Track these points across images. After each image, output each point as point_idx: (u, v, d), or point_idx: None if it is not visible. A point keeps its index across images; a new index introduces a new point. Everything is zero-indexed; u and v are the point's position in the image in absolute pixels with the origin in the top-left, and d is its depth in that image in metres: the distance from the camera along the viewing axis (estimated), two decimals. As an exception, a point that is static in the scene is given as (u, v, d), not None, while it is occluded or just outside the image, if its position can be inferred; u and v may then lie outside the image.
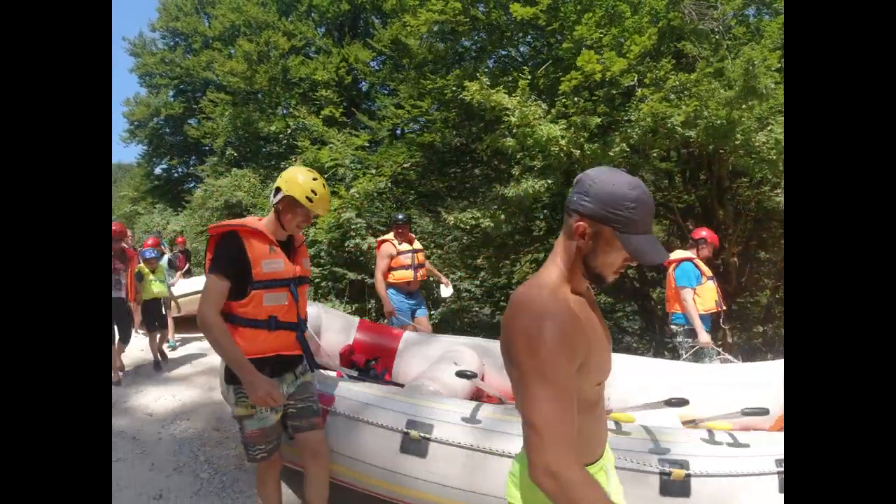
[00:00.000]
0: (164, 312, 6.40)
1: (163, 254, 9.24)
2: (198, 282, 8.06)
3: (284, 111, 17.23)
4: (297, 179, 2.33)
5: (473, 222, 7.51)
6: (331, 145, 11.73)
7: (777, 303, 8.91)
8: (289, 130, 16.21)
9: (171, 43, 21.72)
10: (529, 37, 9.71)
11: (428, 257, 8.76)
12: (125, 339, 5.49)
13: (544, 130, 6.42)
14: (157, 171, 23.31)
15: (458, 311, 8.07)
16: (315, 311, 3.88)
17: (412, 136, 10.83)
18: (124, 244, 5.49)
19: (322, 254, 10.46)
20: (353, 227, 9.10)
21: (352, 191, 9.70)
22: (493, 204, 7.44)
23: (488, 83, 6.74)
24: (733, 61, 6.15)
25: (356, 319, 4.41)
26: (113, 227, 4.98)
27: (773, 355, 9.11)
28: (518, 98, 6.51)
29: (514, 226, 7.90)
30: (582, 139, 6.64)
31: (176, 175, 23.30)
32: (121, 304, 5.26)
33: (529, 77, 7.08)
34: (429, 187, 10.42)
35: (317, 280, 10.26)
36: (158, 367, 6.00)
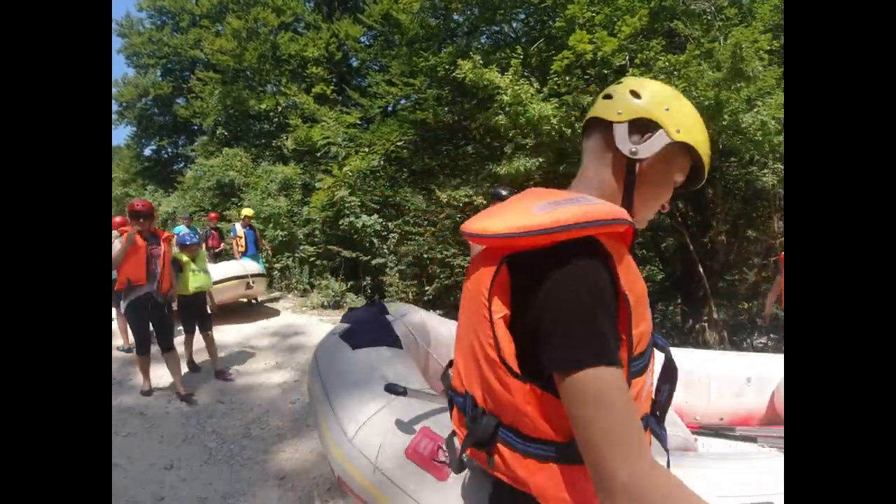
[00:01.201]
0: (208, 311, 5.09)
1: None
2: (231, 267, 7.55)
3: (274, 89, 17.03)
4: (693, 116, 1.05)
5: (466, 199, 7.60)
6: (322, 123, 11.70)
7: (763, 280, 9.15)
8: (279, 108, 16.09)
9: (159, 22, 21.24)
10: (522, 13, 9.67)
11: (421, 235, 8.90)
12: (166, 345, 4.28)
13: (536, 109, 6.49)
14: (147, 152, 23.06)
15: (451, 286, 8.23)
16: (419, 319, 3.07)
17: (405, 114, 10.81)
18: (153, 226, 4.39)
19: (316, 232, 10.55)
20: (346, 205, 9.18)
21: (345, 169, 9.75)
22: (485, 182, 7.53)
23: (481, 61, 6.76)
24: (723, 43, 6.21)
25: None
26: (138, 204, 4.21)
27: (758, 332, 9.39)
28: (510, 77, 6.55)
29: None
30: (573, 118, 6.72)
31: (166, 156, 23.07)
32: (156, 303, 4.20)
33: (522, 55, 7.10)
34: (421, 165, 10.46)
35: (312, 259, 10.37)
36: (225, 377, 4.88)
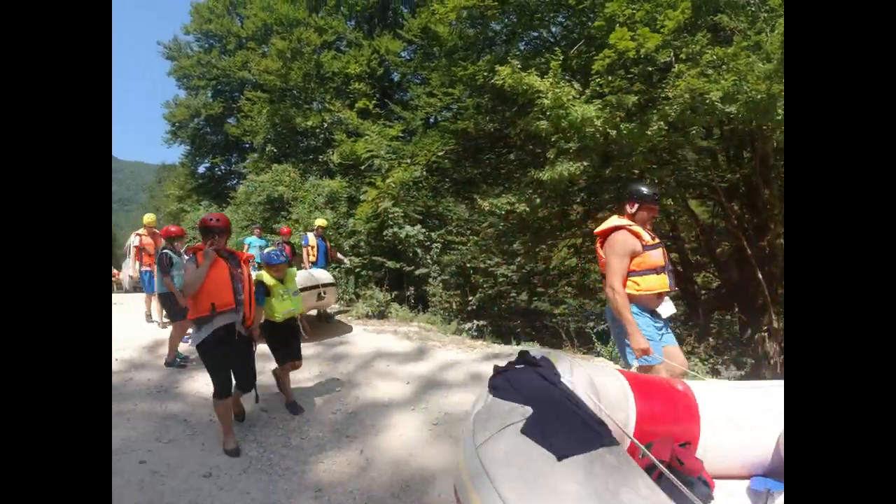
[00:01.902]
0: (299, 339, 4.32)
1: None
2: (300, 277, 6.25)
3: (320, 106, 17.58)
4: None
5: (509, 207, 7.49)
6: (366, 137, 11.93)
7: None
8: (325, 124, 16.55)
9: (206, 45, 22.44)
10: (561, 16, 9.52)
11: (464, 244, 8.85)
12: (246, 389, 3.65)
13: (578, 111, 6.31)
14: (201, 169, 24.24)
15: (495, 296, 8.10)
16: (586, 378, 2.10)
17: (445, 124, 10.85)
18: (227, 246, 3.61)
19: (361, 243, 10.70)
20: (390, 216, 9.25)
21: (388, 181, 9.85)
22: (528, 188, 7.39)
23: (519, 66, 6.66)
24: (770, 33, 5.85)
25: (622, 378, 2.31)
26: (212, 219, 3.46)
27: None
28: (550, 79, 6.41)
29: (551, 210, 7.82)
30: (618, 118, 6.49)
31: (219, 173, 24.16)
32: (240, 337, 3.45)
33: (561, 58, 6.94)
34: (463, 175, 10.43)
35: (357, 269, 10.51)
36: (296, 410, 4.14)
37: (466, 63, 9.18)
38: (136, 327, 7.22)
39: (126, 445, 3.47)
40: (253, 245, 9.15)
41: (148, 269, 7.10)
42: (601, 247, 3.25)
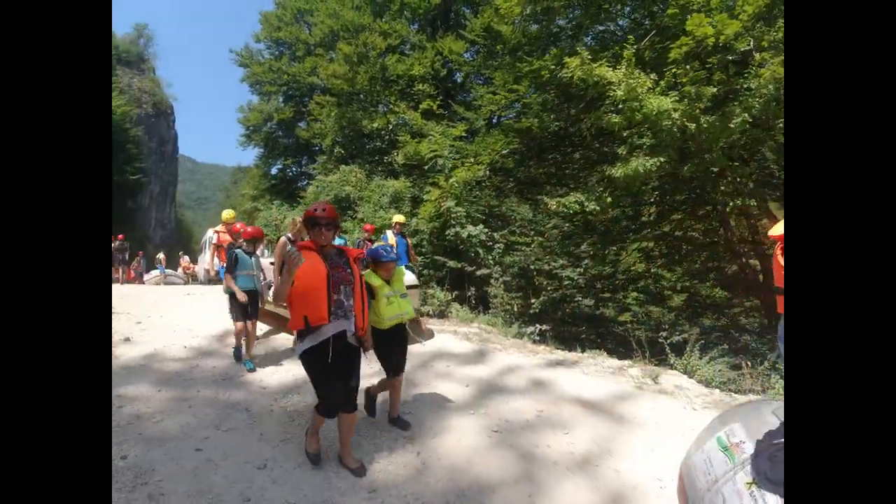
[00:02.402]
0: (407, 348, 3.78)
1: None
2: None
3: (385, 108, 17.92)
4: None
5: (577, 207, 7.09)
6: (430, 137, 11.93)
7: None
8: (390, 126, 16.83)
9: (276, 52, 23.56)
10: (629, 7, 9.02)
11: (527, 245, 8.56)
12: (348, 410, 3.00)
13: (654, 103, 5.89)
14: (273, 171, 25.40)
15: (559, 300, 7.74)
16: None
17: (509, 124, 10.63)
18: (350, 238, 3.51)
19: (424, 243, 10.66)
20: (452, 215, 9.12)
21: (451, 180, 9.75)
22: (598, 187, 6.98)
23: (590, 57, 6.32)
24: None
25: None
26: (319, 209, 2.88)
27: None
28: (623, 70, 6.03)
29: (623, 210, 7.37)
30: (697, 110, 5.99)
31: (290, 174, 25.20)
32: (347, 348, 2.95)
33: (634, 47, 6.52)
34: (527, 174, 10.14)
35: (420, 268, 10.48)
36: (405, 426, 3.67)
37: (531, 59, 8.91)
38: (207, 317, 7.52)
39: (184, 432, 3.52)
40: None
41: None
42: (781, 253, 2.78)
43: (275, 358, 5.54)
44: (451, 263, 9.31)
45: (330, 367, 2.87)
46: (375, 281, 3.49)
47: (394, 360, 3.61)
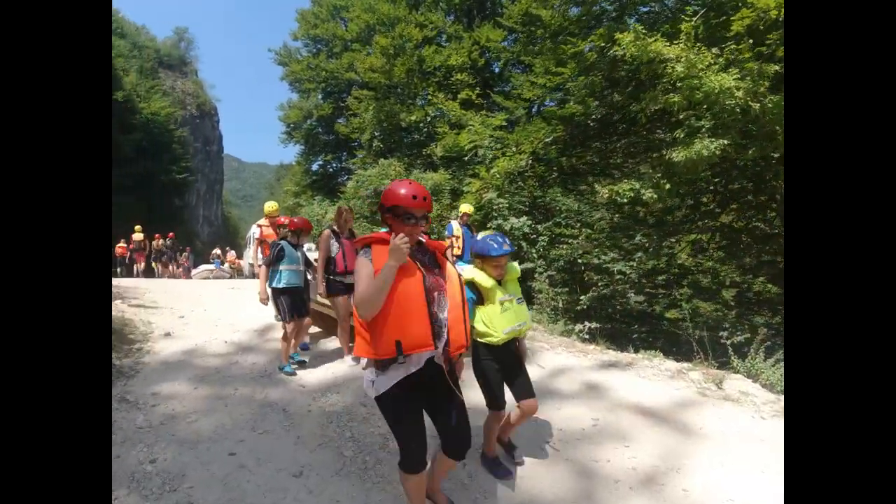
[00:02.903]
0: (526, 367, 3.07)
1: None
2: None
3: (423, 101, 17.72)
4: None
5: (632, 195, 6.54)
6: (469, 128, 11.61)
7: None
8: (428, 118, 16.62)
9: (314, 49, 23.72)
10: None
11: (574, 237, 8.11)
12: (457, 448, 2.26)
13: (715, 81, 5.36)
14: (314, 167, 25.64)
15: (609, 296, 7.26)
16: None
17: (552, 110, 10.14)
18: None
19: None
20: (494, 207, 8.79)
21: (492, 171, 9.41)
22: (655, 173, 6.42)
23: (644, 31, 5.83)
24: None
25: None
26: (414, 195, 2.07)
27: None
28: (682, 45, 5.51)
29: (682, 198, 6.81)
30: (762, 88, 5.42)
31: (331, 169, 25.38)
32: (440, 376, 2.16)
33: (693, 20, 5.97)
34: (573, 162, 9.66)
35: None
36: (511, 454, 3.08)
37: (576, 39, 8.40)
38: (250, 310, 7.49)
39: (218, 434, 3.37)
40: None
41: None
42: None
43: (314, 354, 5.38)
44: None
45: (414, 411, 2.14)
46: (485, 281, 2.70)
47: (519, 382, 2.82)
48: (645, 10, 9.08)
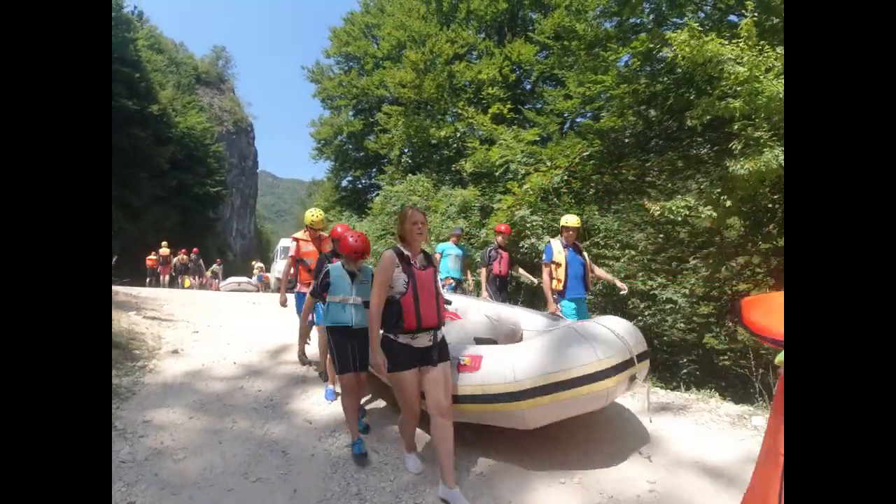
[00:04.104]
0: None
1: None
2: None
3: (452, 118, 17.46)
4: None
5: (686, 212, 5.79)
6: (500, 142, 11.16)
7: None
8: (457, 134, 16.31)
9: (346, 67, 23.92)
10: None
11: (617, 259, 7.45)
12: None
13: (778, 85, 4.73)
14: (344, 183, 25.63)
15: (653, 325, 6.52)
16: None
17: (588, 123, 9.59)
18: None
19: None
20: (528, 225, 8.21)
21: (525, 187, 8.87)
22: (716, 187, 5.66)
23: (700, 29, 5.23)
24: None
25: None
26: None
27: None
28: (744, 44, 4.89)
29: (745, 216, 6.07)
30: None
31: (360, 186, 25.34)
32: None
33: (753, 17, 5.33)
34: (612, 178, 9.02)
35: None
36: None
37: (616, 46, 7.85)
38: (266, 329, 7.10)
39: (205, 478, 2.90)
40: (446, 254, 6.75)
41: (307, 289, 4.33)
42: None
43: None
44: (525, 278, 8.37)
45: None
46: None
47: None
48: (679, 21, 8.46)
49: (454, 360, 2.99)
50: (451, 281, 6.71)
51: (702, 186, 6.08)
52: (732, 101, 4.95)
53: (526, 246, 8.18)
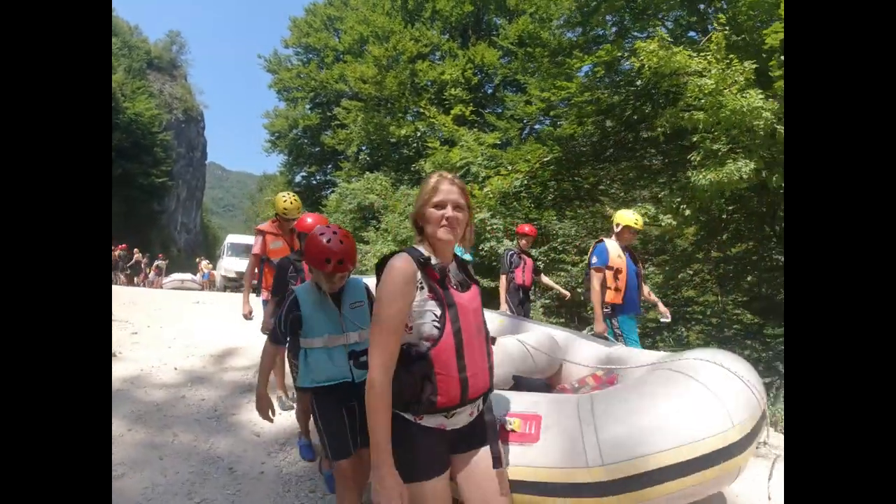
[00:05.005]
0: None
1: None
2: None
3: (413, 117, 17.25)
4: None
5: (647, 219, 5.83)
6: (461, 144, 11.09)
7: None
8: (418, 133, 16.13)
9: (305, 59, 23.16)
10: (678, 11, 7.88)
11: (575, 265, 7.53)
12: None
13: (741, 100, 4.87)
14: (298, 178, 24.80)
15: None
16: None
17: (549, 129, 9.66)
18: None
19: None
20: (488, 228, 8.16)
21: (485, 190, 8.82)
22: (676, 196, 5.79)
23: (670, 40, 5.32)
24: None
25: None
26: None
27: None
28: (711, 57, 4.99)
29: (702, 225, 6.24)
30: (790, 112, 4.92)
31: (315, 182, 24.60)
32: None
33: (726, 31, 5.45)
34: (570, 185, 9.13)
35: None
36: None
37: (581, 54, 7.92)
38: (211, 331, 6.70)
39: (147, 498, 2.68)
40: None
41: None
42: None
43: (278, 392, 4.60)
44: (485, 282, 8.32)
45: None
46: None
47: None
48: (641, 35, 8.63)
49: (496, 420, 1.68)
50: None
51: (660, 196, 6.20)
52: (696, 113, 5.06)
53: (485, 249, 8.13)
